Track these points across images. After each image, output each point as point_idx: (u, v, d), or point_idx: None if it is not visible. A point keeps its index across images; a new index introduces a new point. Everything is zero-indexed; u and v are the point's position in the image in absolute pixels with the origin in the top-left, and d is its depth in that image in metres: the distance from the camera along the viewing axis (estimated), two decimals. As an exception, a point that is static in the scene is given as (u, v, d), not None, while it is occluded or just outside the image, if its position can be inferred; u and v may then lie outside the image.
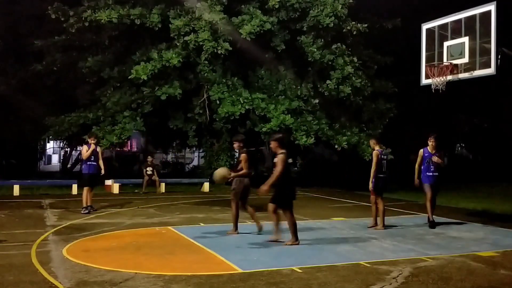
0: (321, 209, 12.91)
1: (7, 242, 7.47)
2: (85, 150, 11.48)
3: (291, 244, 7.60)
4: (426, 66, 11.38)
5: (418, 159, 9.78)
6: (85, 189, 11.42)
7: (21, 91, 19.89)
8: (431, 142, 9.72)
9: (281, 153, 7.58)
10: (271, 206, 7.66)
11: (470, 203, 14.27)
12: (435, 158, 9.56)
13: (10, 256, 6.63)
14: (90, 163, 11.35)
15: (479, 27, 10.33)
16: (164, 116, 18.57)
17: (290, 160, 8.04)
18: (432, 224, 9.56)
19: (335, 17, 16.44)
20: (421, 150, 9.81)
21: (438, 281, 5.77)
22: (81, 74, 18.79)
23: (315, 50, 16.62)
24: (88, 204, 11.34)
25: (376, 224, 9.43)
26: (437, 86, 11.00)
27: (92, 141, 11.48)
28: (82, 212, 11.15)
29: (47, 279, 5.59)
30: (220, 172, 8.60)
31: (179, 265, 6.40)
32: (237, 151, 8.88)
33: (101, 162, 11.54)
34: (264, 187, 7.49)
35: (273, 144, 7.72)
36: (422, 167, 9.75)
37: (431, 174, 9.66)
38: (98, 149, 11.72)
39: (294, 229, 7.66)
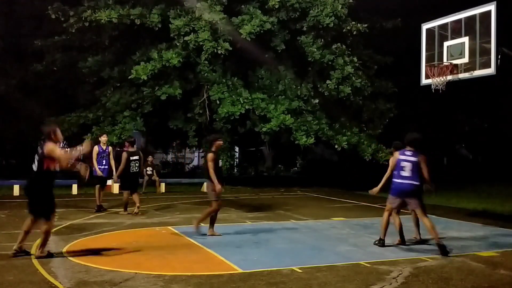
0: (321, 209, 12.90)
1: (7, 242, 7.46)
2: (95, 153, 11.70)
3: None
4: (426, 66, 11.39)
5: (391, 163, 7.55)
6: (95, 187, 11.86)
7: (21, 91, 19.86)
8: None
9: None
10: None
11: (470, 203, 14.27)
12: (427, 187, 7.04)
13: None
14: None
15: (479, 27, 10.33)
16: (164, 116, 18.56)
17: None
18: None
19: (335, 17, 16.43)
20: (396, 152, 7.58)
21: (438, 281, 5.77)
22: (81, 74, 18.78)
23: (315, 50, 16.62)
24: (97, 203, 11.67)
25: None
26: (437, 86, 11.01)
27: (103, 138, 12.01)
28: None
29: (47, 279, 5.59)
30: None
31: (179, 265, 6.40)
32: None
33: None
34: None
35: None
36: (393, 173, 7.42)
37: (403, 181, 7.20)
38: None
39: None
